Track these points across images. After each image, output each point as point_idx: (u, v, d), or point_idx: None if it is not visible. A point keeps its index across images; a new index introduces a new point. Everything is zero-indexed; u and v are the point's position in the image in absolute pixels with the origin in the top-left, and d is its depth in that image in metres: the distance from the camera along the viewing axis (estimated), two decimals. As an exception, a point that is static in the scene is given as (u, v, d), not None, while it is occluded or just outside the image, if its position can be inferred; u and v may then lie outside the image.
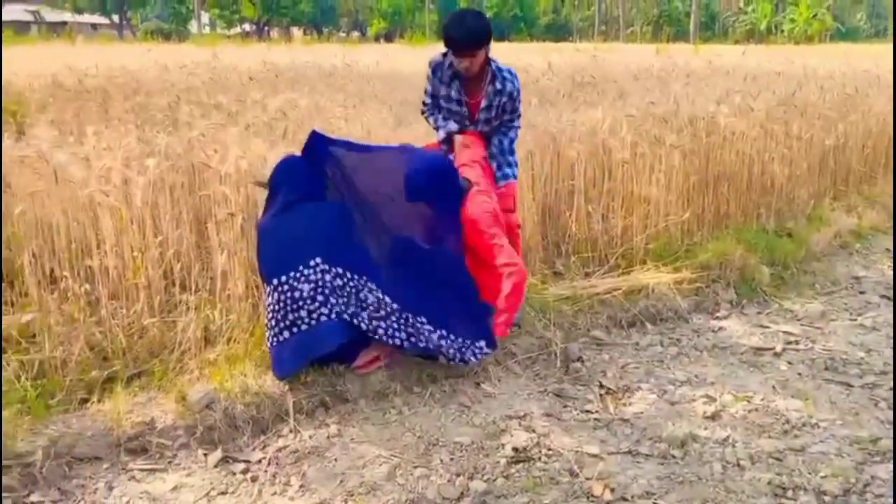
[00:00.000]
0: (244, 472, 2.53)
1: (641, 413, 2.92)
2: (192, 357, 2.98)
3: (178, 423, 2.66)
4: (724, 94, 6.18)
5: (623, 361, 3.40)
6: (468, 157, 3.33)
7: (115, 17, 58.31)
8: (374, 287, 2.93)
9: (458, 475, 2.51)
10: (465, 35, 3.21)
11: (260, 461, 2.59)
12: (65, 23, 49.22)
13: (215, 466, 2.55)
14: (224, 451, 2.62)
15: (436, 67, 3.41)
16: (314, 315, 2.85)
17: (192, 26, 57.99)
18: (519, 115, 3.48)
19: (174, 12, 59.71)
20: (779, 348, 3.54)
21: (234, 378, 2.83)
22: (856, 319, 3.94)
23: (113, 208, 3.17)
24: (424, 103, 3.57)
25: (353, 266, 2.92)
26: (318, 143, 3.00)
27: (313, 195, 2.96)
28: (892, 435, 2.74)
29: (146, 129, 4.56)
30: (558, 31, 64.33)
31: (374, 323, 2.93)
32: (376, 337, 2.95)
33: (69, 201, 3.34)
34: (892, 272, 4.73)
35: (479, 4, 63.38)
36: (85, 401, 2.73)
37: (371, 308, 2.93)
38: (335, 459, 2.59)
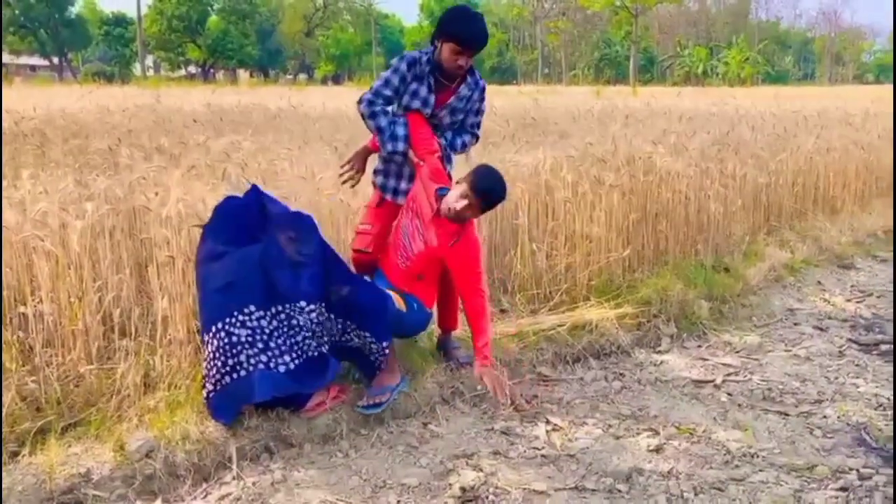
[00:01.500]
0: (185, 522, 2.46)
1: (587, 448, 2.95)
2: (131, 404, 2.89)
3: (116, 474, 2.57)
4: (661, 134, 6.41)
5: (569, 397, 3.44)
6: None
7: (55, 59, 57.40)
8: (305, 306, 2.90)
9: (405, 517, 2.48)
10: (483, 34, 3.17)
11: (201, 510, 2.52)
12: (1, 64, 48.13)
13: (154, 517, 2.47)
14: (164, 500, 2.54)
15: (413, 62, 3.23)
16: (252, 361, 2.81)
17: (136, 68, 57.47)
18: (480, 123, 3.47)
19: (117, 54, 59.11)
20: (719, 380, 3.63)
21: (175, 425, 2.76)
22: (791, 350, 4.07)
23: (49, 253, 3.09)
24: (378, 94, 3.23)
25: (286, 297, 2.88)
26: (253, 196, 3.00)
27: (242, 240, 2.93)
28: (827, 462, 2.83)
29: (85, 173, 4.48)
30: (503, 74, 65.90)
31: (308, 343, 2.91)
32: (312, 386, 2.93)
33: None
34: (823, 304, 4.92)
35: (422, 46, 64.52)
36: (15, 454, 2.61)
37: (306, 317, 2.90)
38: (279, 506, 2.54)
